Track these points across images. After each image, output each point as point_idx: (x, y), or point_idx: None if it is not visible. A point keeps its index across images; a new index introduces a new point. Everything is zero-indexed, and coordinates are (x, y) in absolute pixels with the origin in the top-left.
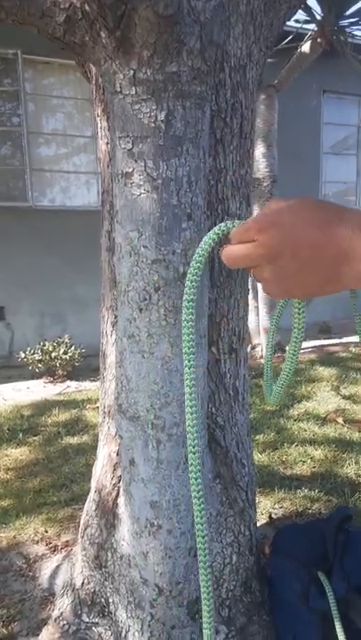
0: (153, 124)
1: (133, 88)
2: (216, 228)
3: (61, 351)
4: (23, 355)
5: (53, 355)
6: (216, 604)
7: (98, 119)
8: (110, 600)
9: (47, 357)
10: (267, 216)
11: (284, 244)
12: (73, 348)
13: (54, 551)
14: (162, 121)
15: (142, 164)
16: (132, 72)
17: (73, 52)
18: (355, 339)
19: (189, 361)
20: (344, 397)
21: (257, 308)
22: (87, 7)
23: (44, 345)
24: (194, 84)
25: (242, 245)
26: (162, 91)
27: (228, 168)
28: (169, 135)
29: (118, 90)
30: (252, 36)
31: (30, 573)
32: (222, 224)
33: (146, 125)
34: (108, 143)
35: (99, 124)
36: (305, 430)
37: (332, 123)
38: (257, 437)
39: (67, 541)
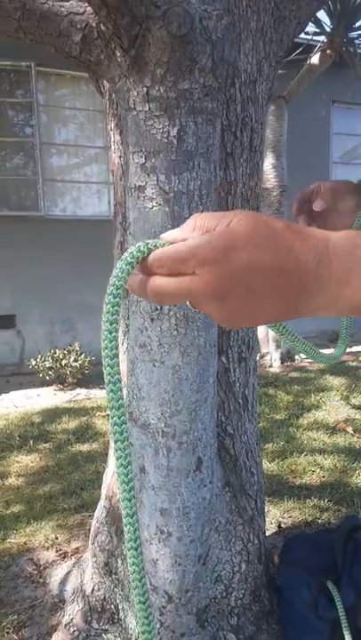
0: (165, 140)
1: (147, 104)
2: (128, 256)
3: (71, 359)
4: (34, 362)
5: (63, 362)
6: (225, 612)
7: (111, 133)
8: (120, 607)
9: (57, 365)
10: (210, 243)
11: (236, 280)
12: (83, 355)
13: (64, 558)
14: (174, 136)
15: (155, 178)
16: (145, 89)
17: (88, 70)
18: None
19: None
20: (354, 407)
21: None
22: (103, 27)
23: (55, 353)
24: (205, 101)
25: (175, 280)
26: (174, 107)
27: (238, 180)
28: (181, 150)
29: (132, 106)
30: (262, 51)
31: (40, 579)
32: (140, 245)
33: (158, 141)
34: (121, 157)
35: (112, 138)
36: (314, 440)
37: (342, 133)
38: (266, 446)
39: (77, 548)
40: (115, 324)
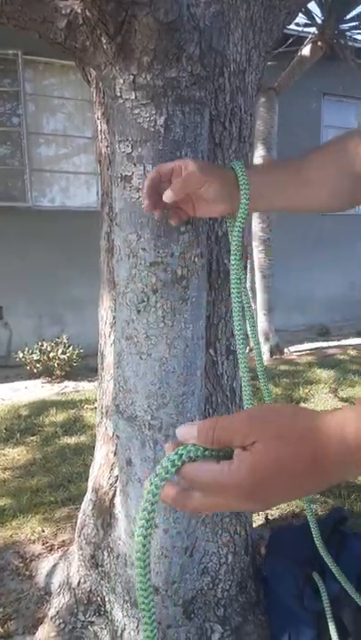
0: (152, 129)
1: (133, 93)
2: (163, 471)
3: (59, 351)
4: (21, 355)
5: (51, 355)
6: (212, 604)
7: (98, 122)
8: (106, 599)
9: (45, 357)
10: (240, 487)
11: (268, 499)
12: (71, 348)
13: (51, 550)
14: (161, 125)
15: (141, 168)
16: (131, 77)
17: (74, 57)
18: (353, 341)
19: None
20: (342, 400)
21: (255, 310)
22: (88, 13)
23: (42, 345)
24: (193, 90)
25: (214, 504)
26: (161, 96)
27: None
28: (168, 140)
29: (118, 94)
30: (251, 41)
31: (27, 572)
32: (170, 461)
33: (145, 130)
34: (107, 146)
35: (99, 127)
36: None
37: (332, 125)
38: None
39: (63, 541)
40: (148, 537)
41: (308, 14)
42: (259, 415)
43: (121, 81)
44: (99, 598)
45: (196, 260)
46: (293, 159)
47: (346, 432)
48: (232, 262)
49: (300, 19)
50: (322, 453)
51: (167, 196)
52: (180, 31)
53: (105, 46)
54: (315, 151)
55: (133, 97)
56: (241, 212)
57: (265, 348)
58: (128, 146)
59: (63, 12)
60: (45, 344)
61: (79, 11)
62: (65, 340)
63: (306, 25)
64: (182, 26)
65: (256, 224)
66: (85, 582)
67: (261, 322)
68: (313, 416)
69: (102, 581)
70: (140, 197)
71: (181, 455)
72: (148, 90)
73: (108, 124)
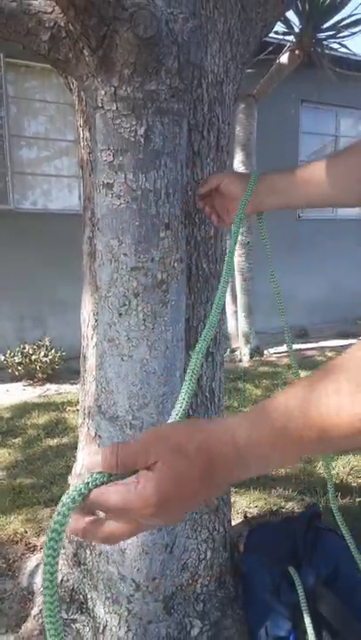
0: (133, 139)
1: (114, 104)
2: (69, 501)
3: (41, 354)
4: (3, 357)
5: (33, 357)
6: (191, 599)
7: (80, 129)
8: (89, 596)
9: (27, 360)
10: (146, 502)
11: (173, 513)
12: (53, 350)
13: (34, 551)
14: (141, 136)
15: (123, 176)
16: (113, 89)
17: (56, 68)
18: (331, 343)
19: None
20: None
21: (236, 312)
22: (71, 27)
23: (24, 348)
24: (172, 102)
25: (126, 529)
26: (141, 107)
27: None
28: (148, 149)
29: (100, 105)
30: (228, 53)
31: (10, 573)
32: (78, 488)
33: (126, 139)
34: (89, 153)
35: (80, 134)
36: None
37: (310, 132)
38: None
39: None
40: (54, 575)
41: (287, 23)
42: (156, 434)
43: (102, 92)
44: (81, 596)
45: (175, 264)
46: (311, 162)
47: (237, 438)
48: (228, 251)
49: (279, 27)
50: (216, 460)
51: (201, 188)
52: (158, 46)
53: (87, 59)
54: (333, 155)
55: (115, 108)
56: (244, 197)
57: (246, 350)
58: (110, 154)
59: (47, 25)
60: (27, 347)
61: (62, 24)
62: (47, 343)
63: (285, 33)
64: (161, 41)
65: None
66: (68, 580)
67: (242, 324)
68: (207, 427)
69: (84, 579)
70: (121, 204)
71: (88, 483)
72: (128, 101)
73: (89, 132)
